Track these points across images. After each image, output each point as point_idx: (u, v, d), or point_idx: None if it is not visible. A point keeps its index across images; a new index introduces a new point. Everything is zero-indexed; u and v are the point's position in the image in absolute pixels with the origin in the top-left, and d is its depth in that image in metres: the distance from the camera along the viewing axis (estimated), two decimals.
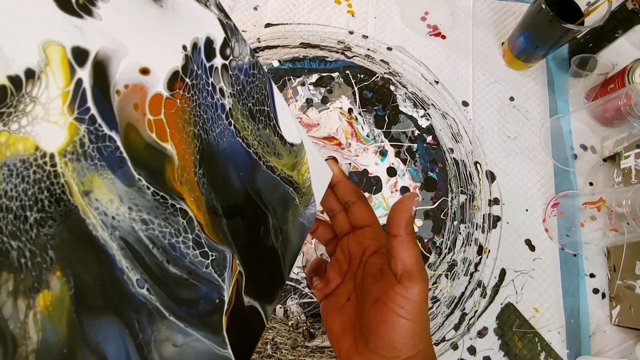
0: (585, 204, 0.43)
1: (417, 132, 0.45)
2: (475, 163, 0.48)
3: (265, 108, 0.23)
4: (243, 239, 0.21)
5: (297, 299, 0.38)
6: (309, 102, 0.45)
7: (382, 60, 0.52)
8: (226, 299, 0.20)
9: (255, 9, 0.53)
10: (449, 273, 0.44)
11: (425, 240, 0.41)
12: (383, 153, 0.44)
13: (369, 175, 0.43)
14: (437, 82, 0.52)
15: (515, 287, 0.44)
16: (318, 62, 0.47)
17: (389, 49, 0.53)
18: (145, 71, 0.16)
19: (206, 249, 0.19)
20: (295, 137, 0.25)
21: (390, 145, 0.44)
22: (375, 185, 0.43)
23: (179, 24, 0.17)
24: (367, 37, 0.53)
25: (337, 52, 0.52)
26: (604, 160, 0.49)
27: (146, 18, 0.16)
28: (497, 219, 0.46)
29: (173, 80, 0.17)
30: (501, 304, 0.43)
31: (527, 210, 0.47)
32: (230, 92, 0.20)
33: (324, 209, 0.30)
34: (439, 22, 0.54)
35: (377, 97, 0.46)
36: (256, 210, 0.23)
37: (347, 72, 0.47)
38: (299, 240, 0.26)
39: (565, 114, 0.51)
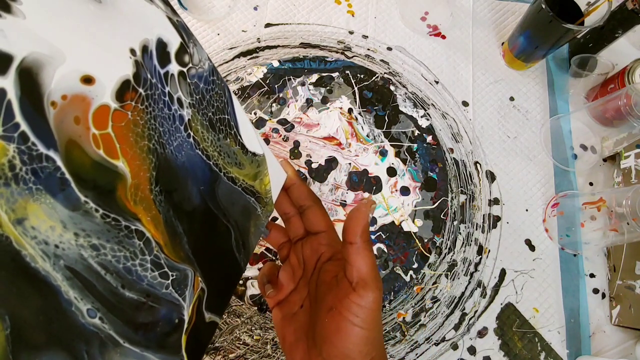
0: (585, 204, 0.43)
1: (417, 132, 0.45)
2: (475, 163, 0.48)
3: (226, 116, 0.22)
4: (205, 255, 0.20)
5: None
6: (309, 102, 0.45)
7: (382, 60, 0.52)
8: (186, 317, 0.19)
9: (255, 9, 0.53)
10: (449, 273, 0.44)
11: (425, 240, 0.41)
12: (383, 153, 0.44)
13: (369, 175, 0.43)
14: (437, 82, 0.52)
15: (515, 287, 0.44)
16: (318, 62, 0.47)
17: (389, 49, 0.53)
18: (88, 80, 0.14)
19: (166, 269, 0.17)
20: (257, 147, 0.24)
21: (390, 145, 0.44)
22: (375, 185, 0.43)
23: (123, 23, 0.15)
24: (367, 37, 0.53)
25: (337, 52, 0.52)
26: (604, 160, 0.49)
27: (84, 17, 0.14)
28: (497, 219, 0.46)
29: (123, 90, 0.15)
30: (501, 304, 0.43)
31: (527, 210, 0.47)
32: (189, 102, 0.19)
33: (279, 213, 0.29)
34: (439, 22, 0.54)
35: (377, 97, 0.46)
36: (218, 225, 0.22)
37: (347, 72, 0.47)
38: (255, 247, 0.26)
39: (565, 114, 0.51)
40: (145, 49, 0.16)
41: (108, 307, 0.15)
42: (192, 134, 0.19)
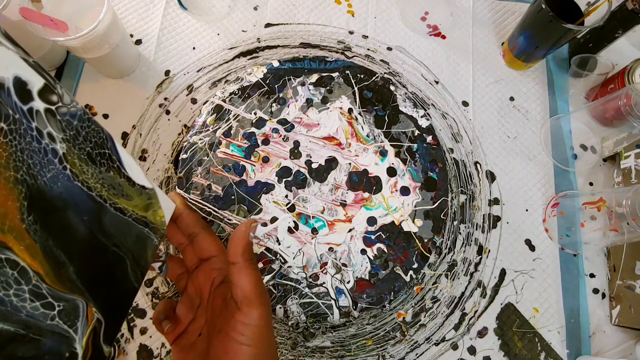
0: (585, 204, 0.43)
1: (417, 132, 0.45)
2: (475, 163, 0.48)
3: (106, 151, 0.22)
4: (98, 284, 0.20)
5: (297, 299, 0.38)
6: (309, 102, 0.45)
7: (382, 60, 0.52)
8: (79, 351, 0.18)
9: (255, 9, 0.53)
10: (449, 273, 0.44)
11: (425, 240, 0.41)
12: (383, 153, 0.44)
13: (369, 175, 0.43)
14: (437, 82, 0.52)
15: (515, 287, 0.44)
16: (318, 62, 0.47)
17: (389, 49, 0.53)
18: None
19: (50, 299, 0.17)
20: (145, 181, 0.25)
21: (390, 145, 0.44)
22: (375, 185, 0.43)
23: None
24: (367, 37, 0.53)
25: (337, 52, 0.52)
26: (604, 160, 0.49)
27: None
28: (497, 219, 0.46)
29: None
30: (501, 304, 0.43)
31: (527, 210, 0.47)
32: (62, 137, 0.19)
33: (173, 244, 0.29)
34: (439, 22, 0.54)
35: (377, 97, 0.46)
36: (109, 254, 0.22)
37: (347, 72, 0.47)
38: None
39: (565, 114, 0.51)
40: (0, 86, 0.16)
41: None
42: (68, 166, 0.19)
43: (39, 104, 0.18)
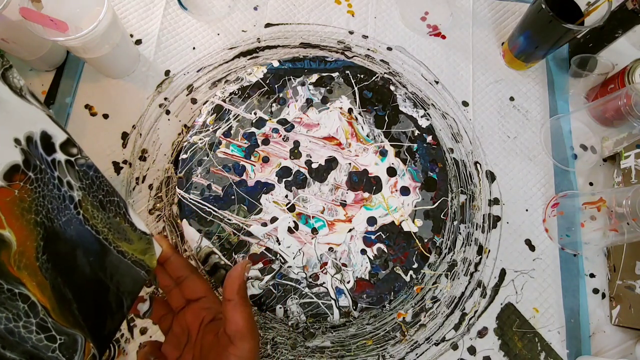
0: (585, 204, 0.43)
1: (417, 132, 0.45)
2: (475, 163, 0.48)
3: (115, 199, 0.25)
4: (96, 322, 0.22)
5: (297, 299, 0.38)
6: (309, 102, 0.45)
7: (382, 60, 0.52)
8: None
9: (255, 9, 0.53)
10: (449, 273, 0.44)
11: (425, 240, 0.41)
12: (383, 153, 0.44)
13: (369, 175, 0.43)
14: (437, 82, 0.52)
15: (515, 287, 0.44)
16: (318, 62, 0.47)
17: (389, 49, 0.53)
18: None
19: (53, 332, 0.18)
20: (145, 228, 0.27)
21: (390, 145, 0.44)
22: (375, 185, 0.43)
23: (5, 119, 0.18)
24: (367, 37, 0.53)
25: (337, 52, 0.52)
26: (604, 160, 0.49)
27: None
28: (497, 219, 0.46)
29: (12, 173, 0.17)
30: (501, 304, 0.43)
31: (527, 210, 0.47)
32: (79, 186, 0.22)
33: (160, 287, 0.30)
34: (439, 22, 0.54)
35: (377, 97, 0.46)
36: (109, 294, 0.23)
37: (347, 72, 0.47)
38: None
39: (565, 114, 0.51)
40: (29, 139, 0.19)
41: None
42: (81, 211, 0.22)
43: (60, 156, 0.21)
